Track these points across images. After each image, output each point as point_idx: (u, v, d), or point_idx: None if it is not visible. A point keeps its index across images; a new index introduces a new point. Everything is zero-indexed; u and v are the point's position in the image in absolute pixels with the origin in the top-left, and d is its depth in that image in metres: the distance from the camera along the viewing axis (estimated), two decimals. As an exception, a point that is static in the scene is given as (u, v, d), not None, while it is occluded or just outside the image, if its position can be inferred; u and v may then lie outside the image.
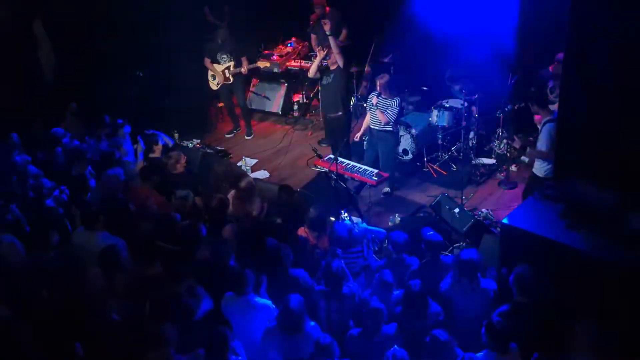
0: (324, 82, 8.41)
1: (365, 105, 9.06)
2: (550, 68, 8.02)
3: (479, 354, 4.53)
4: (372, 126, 8.06)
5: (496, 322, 4.62)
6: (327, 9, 9.77)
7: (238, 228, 6.12)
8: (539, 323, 4.79)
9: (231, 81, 9.62)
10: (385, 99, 7.84)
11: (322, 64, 8.45)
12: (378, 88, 7.87)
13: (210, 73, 9.72)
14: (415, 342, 4.66)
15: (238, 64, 9.52)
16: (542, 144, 6.68)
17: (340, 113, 8.38)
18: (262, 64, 9.68)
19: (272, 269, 5.41)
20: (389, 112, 7.81)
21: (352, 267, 5.80)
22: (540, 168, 6.81)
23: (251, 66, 9.58)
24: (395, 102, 7.81)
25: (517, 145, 7.31)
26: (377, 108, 7.84)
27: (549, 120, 6.62)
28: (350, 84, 9.03)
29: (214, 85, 9.78)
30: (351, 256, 5.90)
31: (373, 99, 7.89)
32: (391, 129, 7.95)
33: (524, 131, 7.79)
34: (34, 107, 8.72)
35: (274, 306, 5.03)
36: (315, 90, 9.98)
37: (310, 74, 8.74)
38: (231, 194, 6.86)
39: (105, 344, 4.65)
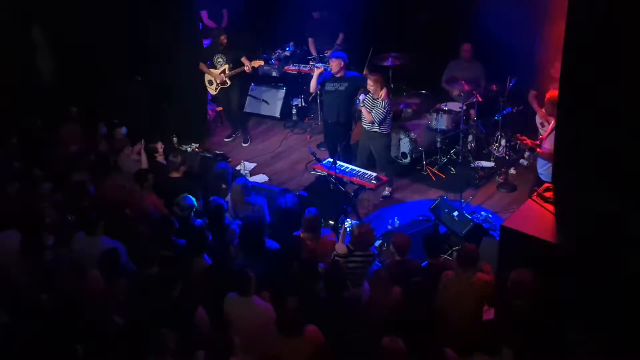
0: (328, 88, 8.31)
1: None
2: (552, 71, 8.03)
3: None
4: (362, 124, 8.05)
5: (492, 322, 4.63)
6: (324, 13, 9.82)
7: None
8: (538, 326, 4.79)
9: (228, 84, 9.60)
10: (373, 98, 7.84)
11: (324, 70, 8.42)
12: (368, 86, 7.86)
13: (207, 78, 9.71)
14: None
15: (236, 65, 9.50)
16: (551, 144, 6.62)
17: (343, 119, 8.33)
18: (257, 63, 9.66)
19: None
20: (374, 112, 7.79)
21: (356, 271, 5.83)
22: (549, 173, 6.74)
23: (253, 63, 9.55)
24: (382, 104, 7.74)
25: (528, 143, 7.18)
26: (364, 106, 7.83)
27: None
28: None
29: (212, 90, 9.76)
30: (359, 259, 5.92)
31: (361, 97, 7.87)
32: (378, 129, 7.92)
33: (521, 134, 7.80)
34: (33, 112, 8.71)
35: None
36: (313, 94, 9.98)
37: (312, 89, 8.72)
38: (229, 195, 6.92)
39: (105, 348, 4.64)
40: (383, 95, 7.74)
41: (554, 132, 6.61)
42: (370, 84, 7.76)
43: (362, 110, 7.87)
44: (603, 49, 4.86)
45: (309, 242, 6.04)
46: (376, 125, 7.85)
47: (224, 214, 6.39)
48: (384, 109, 7.75)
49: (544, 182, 6.70)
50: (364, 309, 5.35)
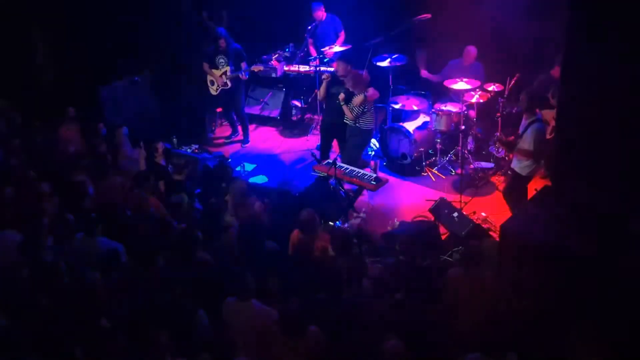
0: (334, 90, 8.28)
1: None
2: (552, 72, 8.04)
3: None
4: (344, 120, 8.11)
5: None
6: (324, 14, 9.79)
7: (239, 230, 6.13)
8: (537, 328, 4.78)
9: (229, 86, 9.60)
10: (352, 95, 7.87)
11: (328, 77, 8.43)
12: (346, 84, 7.88)
13: (209, 78, 9.71)
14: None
15: (237, 69, 9.51)
16: (528, 143, 6.78)
17: (345, 122, 8.32)
18: (257, 69, 9.66)
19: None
20: (350, 107, 7.86)
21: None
22: (523, 167, 6.98)
23: (247, 70, 9.55)
24: (359, 99, 7.83)
25: (503, 141, 7.36)
26: (344, 104, 7.88)
27: (535, 121, 6.77)
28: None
29: (213, 90, 9.76)
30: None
31: (340, 95, 7.90)
32: (358, 124, 7.95)
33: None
34: (31, 112, 8.70)
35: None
36: (313, 95, 9.98)
37: (320, 97, 8.68)
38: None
39: (103, 349, 4.63)
40: (363, 98, 7.81)
41: (528, 131, 6.76)
42: (347, 80, 7.84)
43: (344, 108, 7.92)
44: (603, 49, 4.86)
45: (305, 242, 6.02)
46: (357, 121, 7.92)
47: (221, 217, 6.38)
48: (364, 103, 7.82)
49: (521, 176, 6.95)
50: (365, 310, 5.33)
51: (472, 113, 8.85)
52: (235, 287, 5.06)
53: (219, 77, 9.55)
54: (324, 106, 8.89)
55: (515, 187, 7.18)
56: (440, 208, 7.28)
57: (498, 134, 8.35)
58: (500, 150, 8.35)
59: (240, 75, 9.48)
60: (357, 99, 7.81)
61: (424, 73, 9.11)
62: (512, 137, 7.18)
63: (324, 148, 8.66)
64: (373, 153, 9.14)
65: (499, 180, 8.46)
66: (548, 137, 7.10)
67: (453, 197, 7.91)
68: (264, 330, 4.87)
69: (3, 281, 5.30)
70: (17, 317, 4.83)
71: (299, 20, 10.20)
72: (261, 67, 9.72)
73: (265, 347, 4.80)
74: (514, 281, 5.00)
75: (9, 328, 4.69)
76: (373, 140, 9.07)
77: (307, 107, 10.52)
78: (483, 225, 7.28)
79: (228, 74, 9.51)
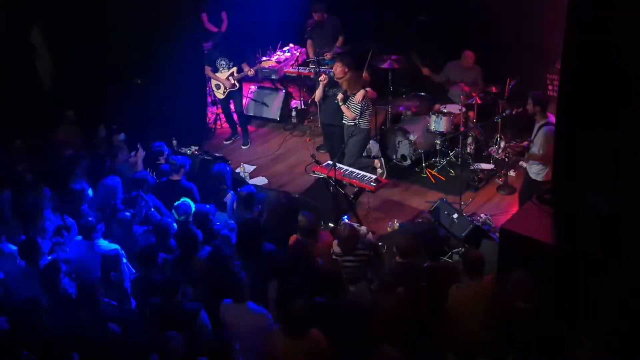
0: (328, 92, 8.30)
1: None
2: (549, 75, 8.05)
3: None
4: (343, 121, 8.14)
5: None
6: (324, 15, 9.79)
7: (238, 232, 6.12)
8: (538, 330, 4.78)
9: (237, 87, 9.61)
10: (350, 95, 7.90)
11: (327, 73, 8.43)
12: (342, 85, 7.91)
13: (214, 82, 9.71)
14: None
15: (240, 70, 9.51)
16: (538, 147, 6.76)
17: (343, 122, 8.33)
18: (267, 64, 9.70)
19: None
20: (350, 107, 7.89)
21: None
22: (537, 173, 6.91)
23: (255, 67, 9.59)
24: (356, 98, 7.86)
25: (516, 149, 7.35)
26: (343, 104, 7.92)
27: (545, 124, 6.71)
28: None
29: (219, 94, 9.73)
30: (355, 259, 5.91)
31: (339, 96, 7.93)
32: (357, 124, 7.96)
33: (521, 136, 7.85)
34: (31, 115, 8.70)
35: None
36: (313, 96, 9.97)
37: (317, 98, 8.67)
38: (228, 196, 6.90)
39: (104, 354, 4.63)
40: (363, 94, 7.84)
41: (538, 134, 6.73)
42: (343, 81, 7.87)
43: (343, 108, 7.94)
44: (603, 51, 4.86)
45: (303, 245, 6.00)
46: (356, 121, 7.94)
47: (209, 220, 6.37)
48: (362, 102, 7.84)
49: (536, 182, 6.88)
50: (366, 311, 5.33)
51: (472, 114, 8.85)
52: (232, 289, 5.06)
53: (225, 80, 9.54)
54: (321, 108, 8.89)
55: (531, 193, 7.11)
56: (440, 209, 7.28)
57: (498, 135, 8.39)
58: (500, 152, 8.35)
59: (249, 74, 9.49)
60: (357, 96, 7.82)
61: (425, 71, 9.15)
62: (526, 143, 7.15)
63: (330, 150, 8.66)
64: (372, 154, 9.13)
65: (498, 182, 8.45)
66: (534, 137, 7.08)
67: (453, 199, 7.90)
68: (260, 331, 4.87)
69: (4, 286, 5.30)
70: (18, 321, 4.83)
71: (298, 20, 10.21)
72: (273, 61, 9.72)
73: (262, 349, 4.80)
74: (514, 282, 4.98)
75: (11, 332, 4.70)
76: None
77: (306, 108, 10.53)
78: (483, 227, 7.27)
79: (235, 74, 9.51)
